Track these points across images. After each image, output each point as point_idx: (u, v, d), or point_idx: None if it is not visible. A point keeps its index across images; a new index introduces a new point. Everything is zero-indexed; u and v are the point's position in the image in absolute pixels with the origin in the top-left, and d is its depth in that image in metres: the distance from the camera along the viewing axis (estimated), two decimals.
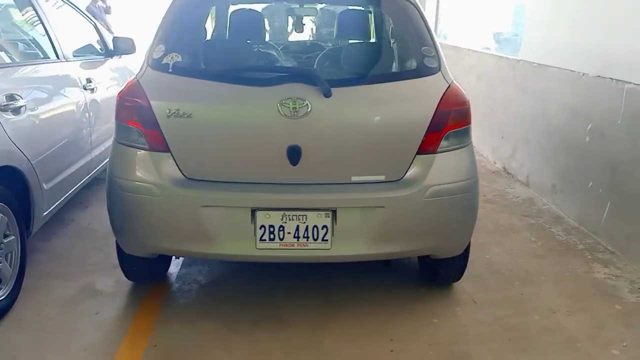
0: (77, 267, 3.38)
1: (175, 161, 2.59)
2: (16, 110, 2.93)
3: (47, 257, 3.49)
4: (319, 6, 3.81)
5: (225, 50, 2.87)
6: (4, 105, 2.82)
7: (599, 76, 3.87)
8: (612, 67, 3.77)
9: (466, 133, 2.70)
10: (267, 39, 3.63)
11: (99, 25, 4.81)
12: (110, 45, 4.72)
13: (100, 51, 4.67)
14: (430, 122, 2.59)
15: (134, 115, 2.60)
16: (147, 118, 2.57)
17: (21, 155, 2.91)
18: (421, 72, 2.70)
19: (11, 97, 2.90)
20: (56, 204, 3.45)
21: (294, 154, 2.54)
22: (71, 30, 4.23)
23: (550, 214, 4.35)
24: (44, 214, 3.26)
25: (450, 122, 2.62)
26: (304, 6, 3.74)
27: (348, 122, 2.57)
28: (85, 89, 3.93)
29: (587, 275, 3.39)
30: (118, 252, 2.97)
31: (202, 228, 2.58)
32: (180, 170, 2.60)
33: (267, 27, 3.22)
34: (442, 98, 2.62)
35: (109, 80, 4.58)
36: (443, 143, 2.63)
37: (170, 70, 2.62)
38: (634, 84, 3.49)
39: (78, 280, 3.22)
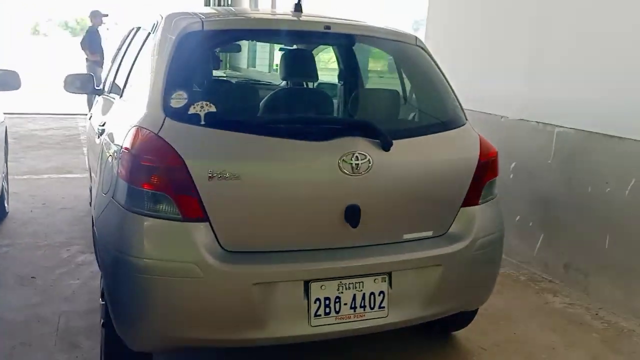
0: None
1: (213, 232, 2.12)
2: None
3: None
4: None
5: (262, 97, 2.45)
6: None
7: (521, 119, 4.22)
8: (530, 111, 4.16)
9: (495, 183, 2.70)
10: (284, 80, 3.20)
11: None
12: None
13: None
14: (474, 174, 2.54)
15: (161, 178, 2.07)
16: (180, 181, 2.07)
17: None
18: (455, 122, 2.64)
19: None
20: None
21: (353, 215, 2.26)
22: None
23: None
24: None
25: (488, 172, 2.60)
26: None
27: (405, 176, 2.38)
28: None
29: (548, 307, 3.62)
30: (107, 349, 2.33)
31: (252, 310, 2.15)
32: (218, 242, 2.13)
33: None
34: (480, 149, 2.58)
35: None
36: (482, 194, 2.59)
37: (202, 123, 2.15)
38: (565, 127, 3.88)
39: None
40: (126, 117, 2.42)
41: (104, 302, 2.38)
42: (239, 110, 2.43)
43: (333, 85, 3.81)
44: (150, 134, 2.14)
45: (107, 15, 10.94)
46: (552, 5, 4.04)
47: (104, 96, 3.70)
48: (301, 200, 2.21)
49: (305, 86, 3.51)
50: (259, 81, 5.01)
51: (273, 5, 10.04)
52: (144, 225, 2.09)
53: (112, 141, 2.43)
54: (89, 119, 3.74)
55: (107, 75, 4.41)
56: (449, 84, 2.73)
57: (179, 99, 2.19)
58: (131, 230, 2.11)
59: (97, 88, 4.22)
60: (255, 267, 2.15)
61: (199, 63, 2.42)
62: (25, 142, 7.59)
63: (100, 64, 10.72)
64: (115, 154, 2.30)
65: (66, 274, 3.61)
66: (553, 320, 3.43)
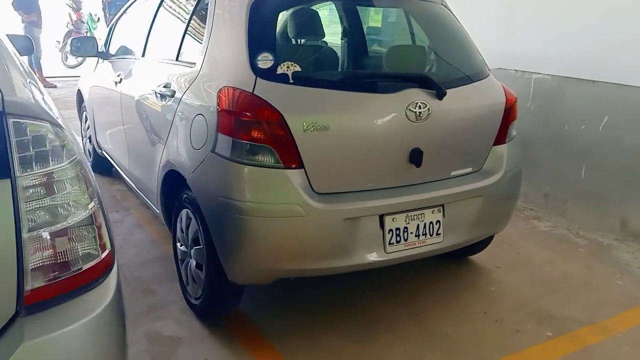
0: None
1: (307, 177, 2.44)
2: None
3: None
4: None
5: (335, 56, 2.71)
6: None
7: (500, 68, 4.70)
8: (508, 61, 4.65)
9: (514, 125, 3.15)
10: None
11: None
12: None
13: None
14: (502, 117, 2.97)
15: (264, 132, 2.35)
16: (280, 134, 2.36)
17: None
18: (482, 74, 3.04)
19: None
20: None
21: (416, 157, 2.64)
22: None
23: None
24: None
25: (511, 115, 3.04)
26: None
27: (454, 120, 2.77)
28: None
29: (537, 230, 4.21)
30: (210, 284, 2.63)
31: (342, 242, 2.51)
32: (310, 186, 2.46)
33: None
34: (505, 95, 3.01)
35: None
36: (507, 134, 3.03)
37: (291, 81, 2.43)
38: (542, 74, 4.40)
39: (132, 332, 2.69)
40: (207, 79, 2.63)
41: (199, 247, 2.66)
42: (317, 68, 2.72)
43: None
44: (246, 93, 2.39)
45: None
46: None
47: (131, 59, 3.80)
48: (376, 145, 2.56)
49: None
50: None
51: None
52: (249, 174, 2.37)
53: (198, 102, 2.65)
54: (118, 82, 3.80)
55: (110, 37, 4.46)
56: (468, 36, 3.11)
57: (265, 60, 2.45)
58: (237, 178, 2.39)
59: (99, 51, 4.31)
60: (344, 205, 2.50)
61: (273, 23, 2.65)
62: None
63: (38, 24, 10.25)
64: (208, 113, 2.53)
65: None
66: (545, 241, 4.01)
